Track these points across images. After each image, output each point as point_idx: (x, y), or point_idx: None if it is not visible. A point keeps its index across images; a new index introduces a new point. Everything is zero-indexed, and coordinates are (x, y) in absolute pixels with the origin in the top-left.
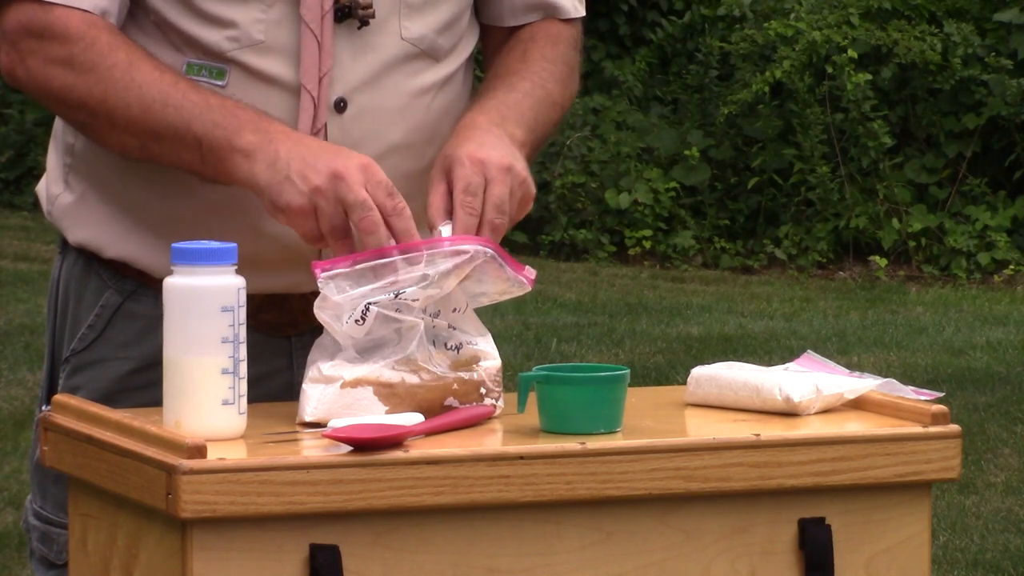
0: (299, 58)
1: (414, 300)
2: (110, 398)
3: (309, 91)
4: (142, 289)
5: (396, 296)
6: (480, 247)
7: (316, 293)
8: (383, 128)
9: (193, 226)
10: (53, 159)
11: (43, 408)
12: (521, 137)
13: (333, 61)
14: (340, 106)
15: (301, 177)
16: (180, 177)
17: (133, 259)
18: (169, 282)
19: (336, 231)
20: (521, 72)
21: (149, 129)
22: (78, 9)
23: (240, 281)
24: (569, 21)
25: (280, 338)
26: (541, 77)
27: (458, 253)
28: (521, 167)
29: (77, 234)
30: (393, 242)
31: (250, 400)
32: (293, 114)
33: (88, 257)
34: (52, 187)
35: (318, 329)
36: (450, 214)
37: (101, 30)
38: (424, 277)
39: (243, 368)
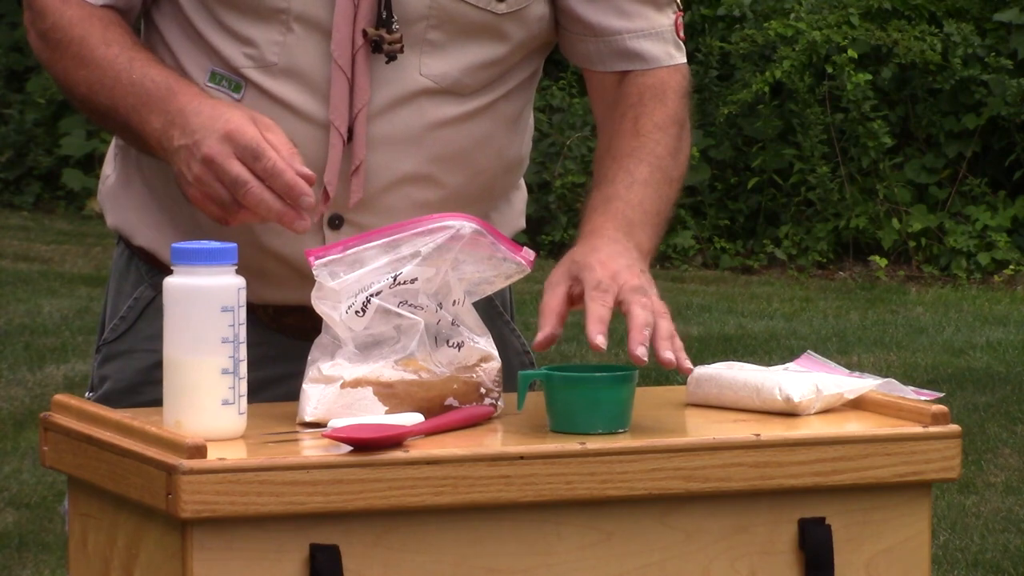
0: (315, 86)
1: (412, 280)
2: (135, 389)
3: (337, 128)
4: None
5: (395, 280)
6: (464, 221)
7: None
8: (394, 158)
9: (207, 231)
10: (114, 140)
11: (88, 395)
12: (648, 245)
13: (369, 97)
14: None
15: (186, 167)
16: None
17: (157, 250)
18: (169, 282)
19: (226, 207)
20: (637, 153)
21: (93, 110)
22: None
23: (240, 281)
24: (674, 66)
25: (303, 341)
26: (656, 155)
27: (444, 228)
28: (653, 291)
29: (112, 218)
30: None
31: (272, 400)
32: (304, 140)
33: (130, 250)
34: (106, 167)
35: None
36: (562, 317)
37: (70, 5)
38: (416, 254)
39: (243, 368)
